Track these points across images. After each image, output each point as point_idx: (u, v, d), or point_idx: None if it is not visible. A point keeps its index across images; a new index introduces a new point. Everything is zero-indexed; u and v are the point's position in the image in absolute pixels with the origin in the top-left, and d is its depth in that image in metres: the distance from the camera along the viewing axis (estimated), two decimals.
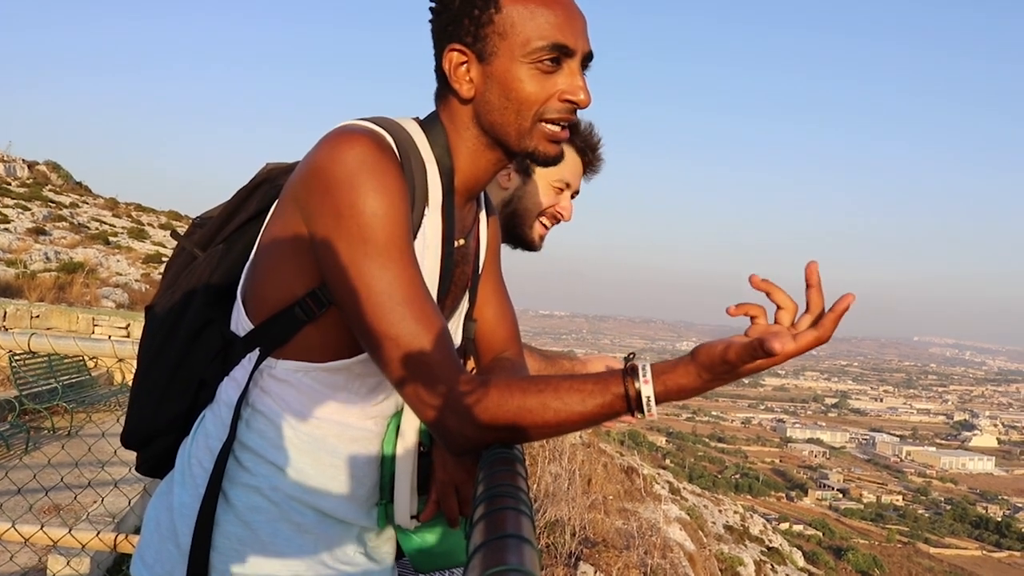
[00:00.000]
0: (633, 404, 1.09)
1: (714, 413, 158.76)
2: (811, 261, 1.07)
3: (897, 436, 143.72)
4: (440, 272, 1.30)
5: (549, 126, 1.25)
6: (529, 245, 2.17)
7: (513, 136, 1.26)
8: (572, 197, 2.18)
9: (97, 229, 25.53)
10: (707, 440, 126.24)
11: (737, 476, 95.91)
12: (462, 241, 1.38)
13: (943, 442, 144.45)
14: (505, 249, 2.24)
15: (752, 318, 1.09)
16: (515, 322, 1.61)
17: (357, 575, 1.35)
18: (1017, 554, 76.92)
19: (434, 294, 1.27)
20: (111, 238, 24.17)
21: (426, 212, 1.26)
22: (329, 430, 1.28)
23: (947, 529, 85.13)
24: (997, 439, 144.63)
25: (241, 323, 1.28)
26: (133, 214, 32.06)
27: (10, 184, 30.76)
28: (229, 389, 1.30)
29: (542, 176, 2.11)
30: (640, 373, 1.09)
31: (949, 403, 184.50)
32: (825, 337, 1.03)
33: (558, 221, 2.18)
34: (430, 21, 1.27)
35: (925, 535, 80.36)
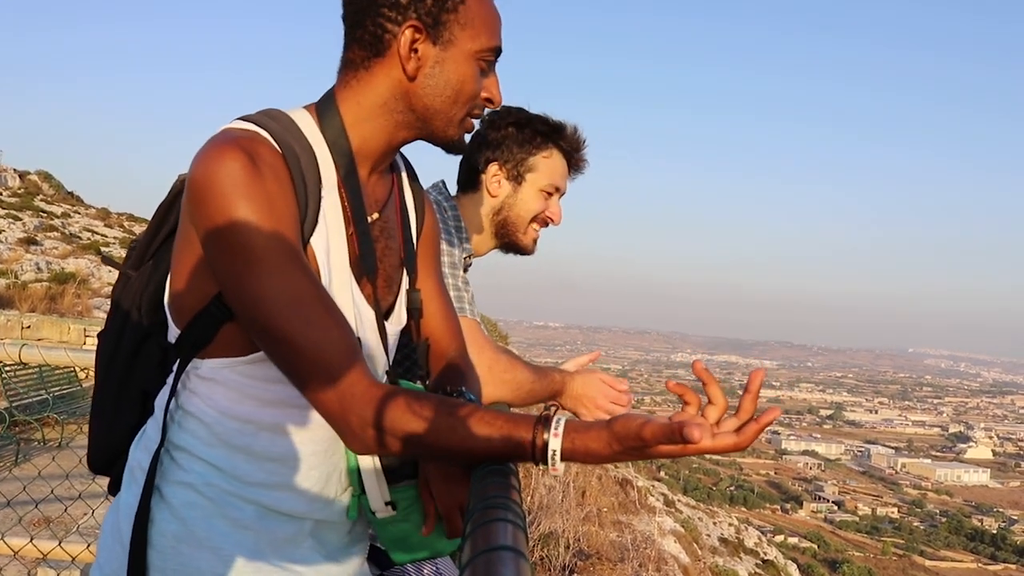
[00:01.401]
0: (538, 454, 1.08)
1: None
2: (757, 370, 1.10)
3: (892, 448, 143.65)
4: (358, 250, 1.29)
5: (471, 120, 1.32)
6: (523, 251, 2.21)
7: (441, 123, 1.29)
8: (559, 199, 2.21)
9: (89, 239, 25.46)
10: None
11: (732, 488, 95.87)
12: (376, 215, 1.35)
13: (938, 454, 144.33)
14: (499, 256, 2.25)
15: (684, 403, 1.11)
16: (456, 318, 1.60)
17: (304, 572, 1.33)
18: (1013, 566, 76.76)
19: (345, 274, 1.27)
20: (103, 248, 24.11)
21: (323, 195, 1.24)
22: (264, 423, 1.27)
23: (942, 541, 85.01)
24: (992, 451, 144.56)
25: (172, 331, 1.29)
26: (125, 224, 31.97)
27: (1, 194, 30.67)
28: (164, 394, 1.31)
29: (533, 183, 2.13)
30: (552, 425, 1.09)
31: (944, 415, 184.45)
32: (743, 445, 1.05)
33: (547, 225, 2.21)
34: None
35: (921, 547, 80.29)
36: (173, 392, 1.29)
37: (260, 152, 1.16)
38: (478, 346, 1.90)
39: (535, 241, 2.20)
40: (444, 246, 1.98)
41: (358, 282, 1.30)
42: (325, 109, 1.29)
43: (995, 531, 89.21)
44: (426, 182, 2.24)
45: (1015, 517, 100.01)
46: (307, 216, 1.21)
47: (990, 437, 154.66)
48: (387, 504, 1.32)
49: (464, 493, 1.29)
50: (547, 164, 2.13)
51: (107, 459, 1.42)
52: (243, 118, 1.22)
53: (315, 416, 1.27)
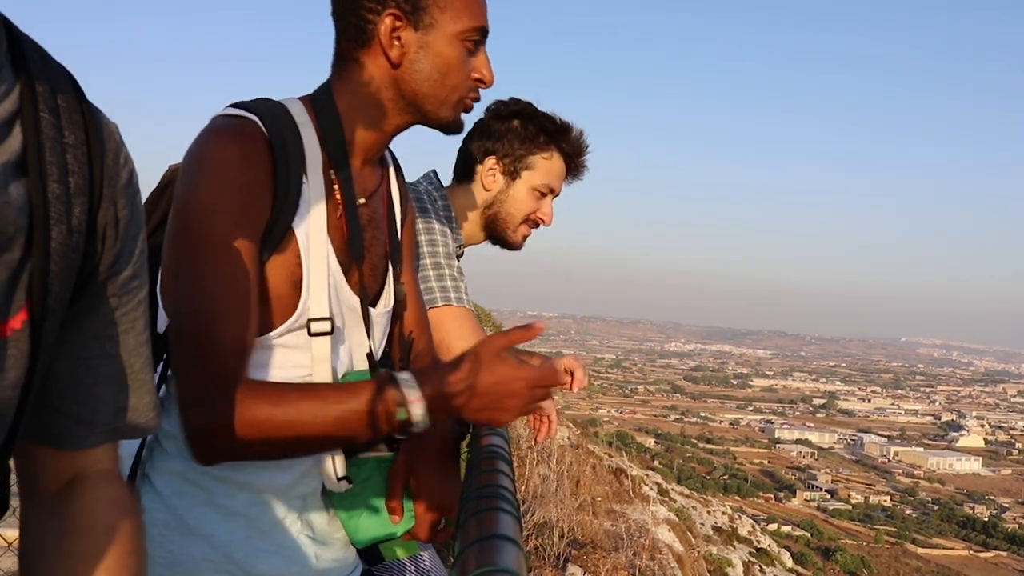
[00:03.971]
0: (393, 413, 1.13)
1: (702, 414, 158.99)
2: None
3: (885, 437, 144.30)
4: (346, 235, 1.31)
5: (467, 101, 1.34)
6: (512, 247, 2.20)
7: (433, 106, 1.31)
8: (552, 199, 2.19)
9: None
10: (695, 441, 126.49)
11: (725, 477, 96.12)
12: (363, 200, 1.36)
13: (931, 443, 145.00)
14: (488, 247, 2.25)
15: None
16: (425, 312, 1.62)
17: (296, 556, 1.34)
18: (1004, 554, 77.32)
19: (324, 259, 1.26)
20: None
21: (305, 179, 1.24)
22: None
23: (934, 529, 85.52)
24: (984, 439, 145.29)
25: (161, 320, 1.28)
26: None
27: None
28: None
29: (527, 181, 2.12)
30: (400, 382, 1.14)
31: (936, 404, 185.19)
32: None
33: (537, 226, 2.20)
34: None
35: (913, 535, 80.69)
36: (162, 380, 1.28)
37: (247, 137, 1.18)
38: (472, 335, 1.90)
39: (524, 239, 2.20)
40: (437, 235, 1.97)
41: (345, 268, 1.31)
42: (320, 100, 1.31)
43: (986, 519, 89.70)
44: (421, 170, 2.24)
45: (1006, 505, 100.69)
46: (287, 202, 1.21)
47: (982, 425, 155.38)
48: (340, 479, 1.32)
49: (453, 493, 1.34)
50: (545, 164, 2.12)
51: None
52: (235, 104, 1.24)
53: None
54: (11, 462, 0.80)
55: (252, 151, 1.18)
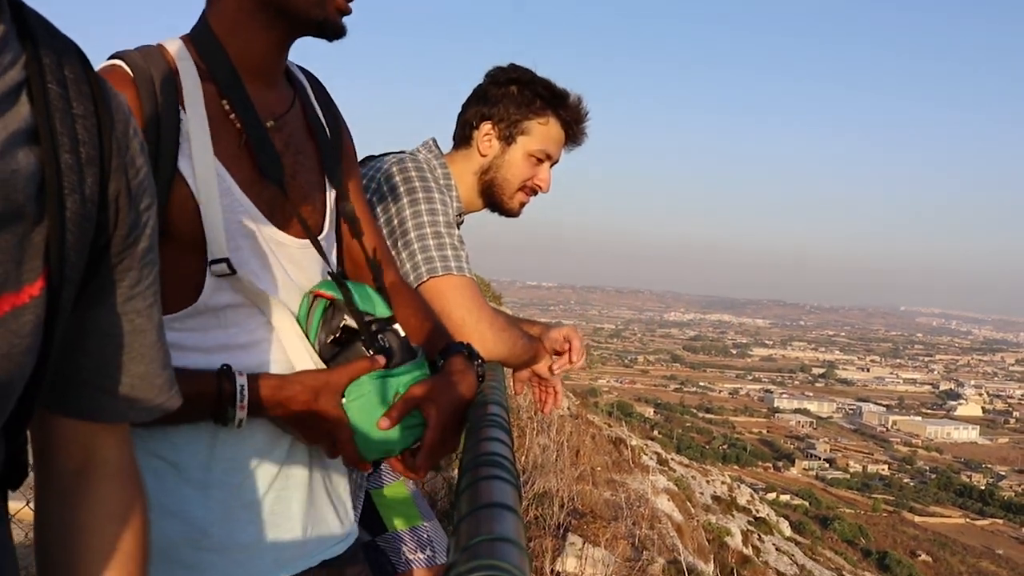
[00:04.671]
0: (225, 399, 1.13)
1: (702, 384, 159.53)
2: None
3: (883, 406, 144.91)
4: (253, 160, 1.24)
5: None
6: (509, 214, 2.18)
7: (302, 5, 1.22)
8: (551, 167, 2.17)
9: None
10: (695, 411, 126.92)
11: (725, 447, 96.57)
12: (272, 123, 1.28)
13: (929, 411, 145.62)
14: (487, 215, 2.22)
15: None
16: (385, 242, 1.57)
17: (280, 523, 1.30)
18: (1000, 522, 77.94)
19: (215, 191, 1.18)
20: None
21: (183, 115, 1.18)
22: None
23: (932, 498, 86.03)
24: (982, 408, 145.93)
25: None
26: None
27: None
28: None
29: (523, 146, 2.10)
30: (235, 377, 1.14)
31: (935, 373, 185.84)
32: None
33: (535, 193, 2.18)
34: None
35: (910, 504, 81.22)
36: None
37: (111, 80, 1.07)
38: (473, 304, 1.88)
39: (522, 206, 2.18)
40: (437, 204, 1.95)
41: (262, 199, 1.25)
42: (197, 32, 1.26)
43: (983, 487, 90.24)
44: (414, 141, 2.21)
45: (1003, 473, 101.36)
46: (164, 140, 1.15)
47: (980, 394, 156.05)
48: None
49: (457, 438, 1.30)
50: (542, 130, 2.10)
51: None
52: (113, 55, 1.19)
53: (260, 349, 1.25)
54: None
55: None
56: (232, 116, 1.23)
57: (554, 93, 2.09)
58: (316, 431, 1.24)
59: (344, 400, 1.23)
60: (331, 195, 1.39)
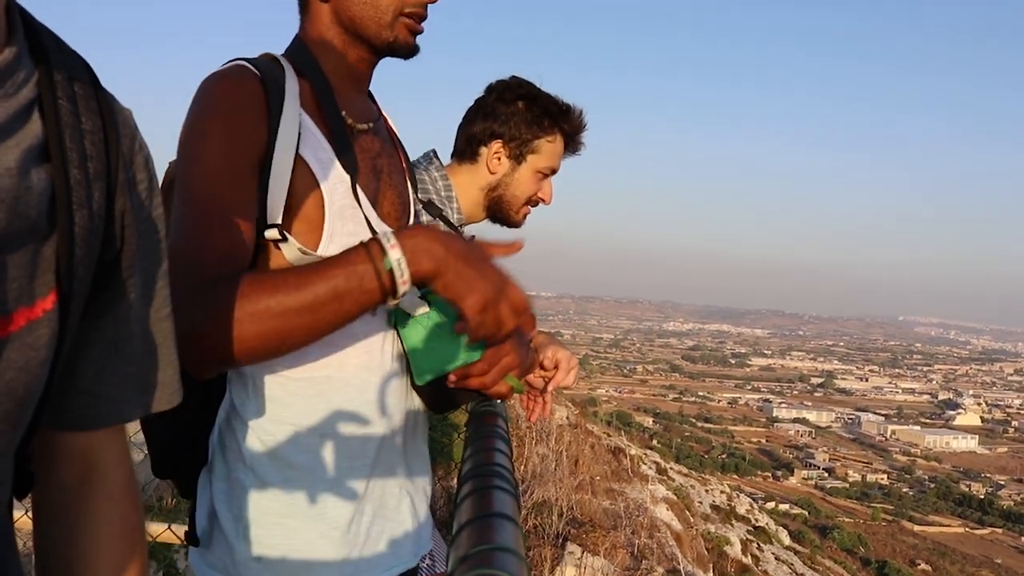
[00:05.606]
0: (382, 271, 1.09)
1: (701, 393, 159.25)
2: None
3: (882, 415, 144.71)
4: (359, 164, 1.32)
5: (409, 20, 1.33)
6: (513, 227, 2.21)
7: (372, 30, 1.32)
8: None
9: None
10: (694, 420, 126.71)
11: (724, 456, 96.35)
12: (364, 126, 1.39)
13: (928, 421, 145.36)
14: (486, 225, 2.24)
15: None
16: None
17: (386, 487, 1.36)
18: (999, 531, 77.77)
19: (336, 183, 1.28)
20: None
21: (302, 112, 1.27)
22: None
23: (931, 507, 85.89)
24: (981, 418, 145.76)
25: None
26: None
27: None
28: None
29: (532, 164, 2.11)
30: (383, 239, 1.11)
31: (934, 382, 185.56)
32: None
33: (538, 204, 2.20)
34: None
35: (909, 513, 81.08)
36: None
37: (239, 75, 1.24)
38: None
39: (525, 217, 2.21)
40: (436, 215, 1.97)
41: (365, 186, 1.33)
42: (294, 49, 1.36)
43: (983, 496, 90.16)
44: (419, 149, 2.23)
45: (1002, 482, 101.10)
46: (287, 132, 1.23)
47: (979, 404, 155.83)
48: (421, 297, 1.29)
49: (526, 353, 1.36)
50: (549, 147, 2.11)
51: (170, 458, 1.40)
52: (236, 58, 1.30)
53: (369, 325, 1.31)
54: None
55: (243, 84, 1.22)
56: (344, 116, 1.33)
57: (561, 110, 2.11)
58: (487, 281, 1.15)
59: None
60: (413, 197, 1.51)
